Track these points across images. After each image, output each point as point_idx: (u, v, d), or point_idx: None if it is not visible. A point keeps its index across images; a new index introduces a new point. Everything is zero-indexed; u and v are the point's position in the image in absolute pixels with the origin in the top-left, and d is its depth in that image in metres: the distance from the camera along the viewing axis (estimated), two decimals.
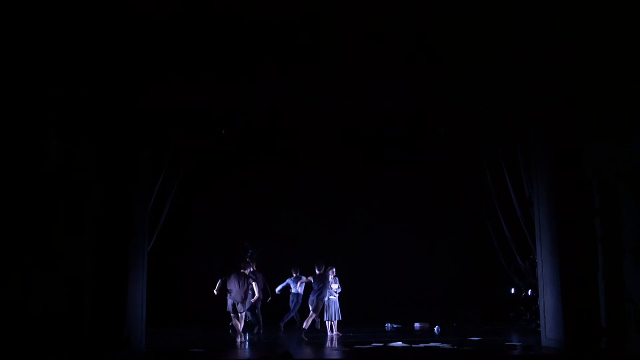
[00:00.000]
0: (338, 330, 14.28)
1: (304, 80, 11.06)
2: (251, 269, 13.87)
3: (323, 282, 13.80)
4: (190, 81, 11.00)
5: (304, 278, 14.97)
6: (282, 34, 10.63)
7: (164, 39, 10.56)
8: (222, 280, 13.38)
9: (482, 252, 16.99)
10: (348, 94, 11.32)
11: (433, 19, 10.49)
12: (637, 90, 10.56)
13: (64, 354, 10.14)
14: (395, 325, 15.68)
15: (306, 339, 13.25)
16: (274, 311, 15.60)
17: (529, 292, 15.27)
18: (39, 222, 10.01)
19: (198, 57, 10.76)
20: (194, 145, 14.41)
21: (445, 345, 12.08)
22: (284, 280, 15.43)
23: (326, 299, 13.93)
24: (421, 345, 12.18)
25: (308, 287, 14.80)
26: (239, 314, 13.10)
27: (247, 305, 13.30)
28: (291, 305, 15.47)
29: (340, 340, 13.52)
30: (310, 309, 13.87)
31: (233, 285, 13.05)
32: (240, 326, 13.18)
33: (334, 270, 14.24)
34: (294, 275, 15.36)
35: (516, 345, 12.24)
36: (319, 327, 14.24)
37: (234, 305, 13.03)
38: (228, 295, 13.15)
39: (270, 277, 15.28)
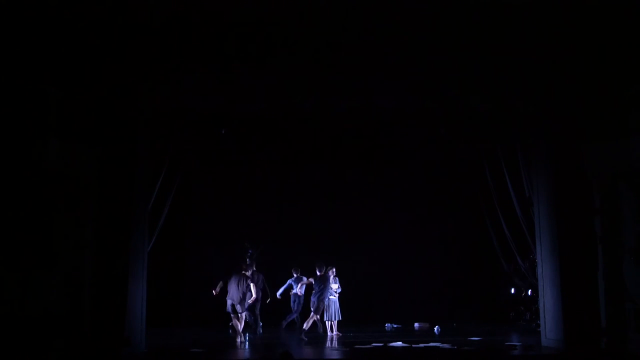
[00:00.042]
0: (338, 330, 14.28)
1: (304, 80, 11.07)
2: (252, 270, 13.87)
3: (324, 283, 13.79)
4: (190, 81, 11.01)
5: (305, 279, 14.94)
6: (282, 34, 10.63)
7: (164, 39, 10.56)
8: (222, 282, 13.39)
9: (482, 252, 17.00)
10: (348, 93, 11.33)
11: (433, 19, 10.48)
12: (637, 90, 10.57)
13: (64, 354, 10.14)
14: (395, 325, 15.68)
15: (306, 339, 13.25)
16: (274, 311, 15.61)
17: (529, 292, 15.26)
18: (38, 222, 10.01)
19: (198, 57, 10.75)
20: (194, 145, 14.41)
21: (445, 345, 12.08)
22: (285, 281, 15.39)
23: (326, 299, 13.93)
24: (421, 345, 12.18)
25: (309, 288, 14.81)
26: (239, 315, 13.11)
27: (246, 306, 13.30)
28: (292, 305, 15.46)
29: (340, 340, 13.52)
30: (312, 309, 13.88)
31: (232, 286, 13.08)
32: (240, 326, 13.18)
33: (334, 270, 14.24)
34: (295, 275, 15.34)
35: (516, 345, 12.24)
36: (321, 330, 14.20)
37: (233, 305, 13.05)
38: (228, 295, 13.17)
39: (270, 277, 15.27)
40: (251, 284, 13.43)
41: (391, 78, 11.11)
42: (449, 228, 17.44)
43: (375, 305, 17.02)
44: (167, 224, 14.66)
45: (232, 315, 13.23)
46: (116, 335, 10.66)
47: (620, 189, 10.89)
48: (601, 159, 11.00)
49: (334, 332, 14.16)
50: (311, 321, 13.89)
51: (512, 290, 16.34)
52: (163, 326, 14.82)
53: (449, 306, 16.99)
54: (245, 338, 13.21)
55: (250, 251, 15.10)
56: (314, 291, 13.93)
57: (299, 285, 15.11)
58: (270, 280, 15.18)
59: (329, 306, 14.04)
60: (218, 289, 13.52)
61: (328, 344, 13.19)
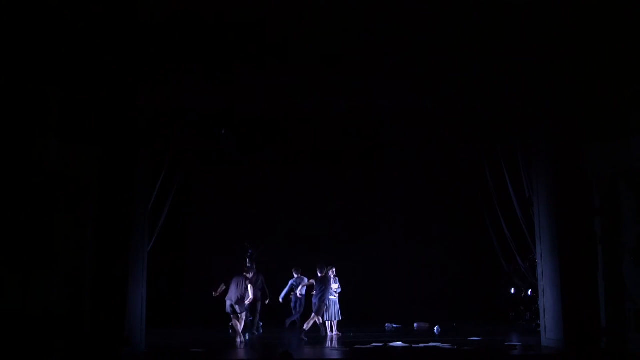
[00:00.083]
0: (338, 330, 14.28)
1: (304, 80, 11.06)
2: (253, 272, 13.86)
3: (325, 284, 13.77)
4: (190, 81, 11.01)
5: (305, 280, 14.93)
6: (282, 34, 10.63)
7: (164, 39, 10.56)
8: (224, 284, 13.40)
9: (482, 252, 17.00)
10: (348, 93, 11.33)
11: (433, 19, 10.48)
12: (637, 90, 10.57)
13: (64, 354, 10.14)
14: (395, 325, 15.67)
15: (306, 339, 13.25)
16: (274, 312, 15.61)
17: (529, 292, 15.26)
18: (38, 222, 10.02)
19: (198, 57, 10.76)
20: (194, 145, 14.40)
21: (445, 345, 12.08)
22: (285, 281, 15.35)
23: (327, 300, 13.92)
24: (421, 345, 12.19)
25: (309, 289, 14.80)
26: (238, 315, 13.12)
27: (245, 306, 13.30)
28: (293, 306, 15.43)
29: (340, 340, 13.52)
30: (313, 311, 13.87)
31: (231, 287, 13.10)
32: (240, 326, 13.19)
33: (334, 270, 14.23)
34: (296, 275, 15.33)
35: (516, 345, 12.24)
36: (323, 333, 14.20)
37: (232, 306, 13.06)
38: (227, 296, 13.18)
39: (270, 277, 15.26)
40: (249, 285, 13.42)
41: (391, 78, 11.11)
42: (449, 228, 17.45)
43: (375, 305, 17.01)
44: (167, 224, 14.66)
45: (231, 315, 13.24)
46: (116, 335, 10.67)
47: (620, 189, 10.90)
48: (601, 159, 11.00)
49: (334, 332, 14.16)
50: (312, 322, 13.88)
51: (512, 290, 16.34)
52: (163, 326, 14.82)
53: (449, 306, 16.98)
54: (245, 338, 13.22)
55: (250, 251, 15.08)
56: (315, 292, 13.93)
57: (300, 286, 15.10)
58: (270, 280, 15.16)
59: (329, 306, 14.02)
60: (219, 290, 13.51)
61: (328, 344, 13.18)
